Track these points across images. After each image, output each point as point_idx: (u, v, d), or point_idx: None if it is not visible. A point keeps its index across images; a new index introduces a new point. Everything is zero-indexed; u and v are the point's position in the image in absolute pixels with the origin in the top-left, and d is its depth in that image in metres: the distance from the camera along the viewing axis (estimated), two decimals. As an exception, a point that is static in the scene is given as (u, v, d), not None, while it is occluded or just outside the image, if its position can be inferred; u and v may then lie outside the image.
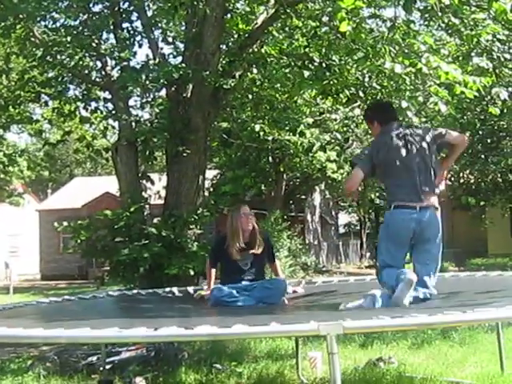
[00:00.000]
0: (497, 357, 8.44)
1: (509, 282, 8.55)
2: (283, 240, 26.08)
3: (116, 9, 12.67)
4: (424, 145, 6.97)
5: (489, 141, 25.03)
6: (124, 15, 12.84)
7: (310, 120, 17.76)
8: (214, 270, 8.44)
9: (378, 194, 40.98)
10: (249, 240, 8.25)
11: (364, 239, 50.44)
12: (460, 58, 10.96)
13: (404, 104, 9.75)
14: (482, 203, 27.50)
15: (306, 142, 19.94)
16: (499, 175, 26.46)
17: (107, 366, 8.80)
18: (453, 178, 27.72)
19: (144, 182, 12.92)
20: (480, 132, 24.78)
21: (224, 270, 8.36)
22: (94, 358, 9.35)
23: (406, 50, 9.39)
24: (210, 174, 29.41)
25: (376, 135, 7.31)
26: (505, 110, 11.89)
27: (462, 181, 27.97)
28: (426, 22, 11.31)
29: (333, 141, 21.71)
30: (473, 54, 10.65)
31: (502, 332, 8.59)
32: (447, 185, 7.75)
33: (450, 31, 10.77)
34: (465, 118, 22.21)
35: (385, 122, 7.25)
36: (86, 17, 12.50)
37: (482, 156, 25.98)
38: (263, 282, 8.17)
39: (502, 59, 10.82)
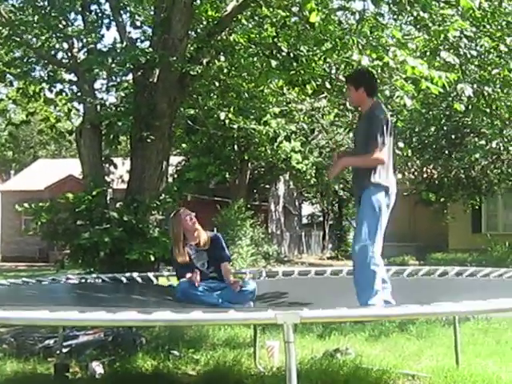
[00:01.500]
0: (452, 351, 8.54)
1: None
2: (246, 229, 26.18)
3: (84, -10, 12.55)
4: None
5: (453, 137, 25.18)
6: (92, -3, 12.73)
7: (277, 110, 17.76)
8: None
9: (342, 186, 41.15)
10: (198, 239, 8.30)
11: (327, 230, 50.63)
12: (427, 53, 11.02)
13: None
14: (443, 199, 27.71)
15: (272, 132, 19.94)
16: (462, 171, 26.65)
17: (64, 350, 8.75)
18: (416, 173, 27.91)
19: (107, 165, 12.84)
20: (445, 128, 24.93)
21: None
22: (51, 342, 9.32)
23: (374, 43, 9.42)
24: (175, 160, 29.38)
25: (370, 105, 7.15)
26: (469, 107, 11.92)
27: (425, 176, 28.14)
28: (395, 16, 11.35)
29: (298, 131, 21.72)
30: (440, 49, 10.70)
31: (459, 326, 8.68)
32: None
33: (418, 26, 10.81)
34: (430, 113, 22.32)
35: (374, 93, 7.27)
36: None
37: (446, 152, 26.15)
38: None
39: (469, 56, 10.91)
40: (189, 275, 7.97)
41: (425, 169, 28.06)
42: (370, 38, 9.48)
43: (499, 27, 11.12)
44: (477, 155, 23.12)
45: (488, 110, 12.13)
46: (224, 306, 7.64)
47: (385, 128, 6.89)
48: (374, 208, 6.89)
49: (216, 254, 8.33)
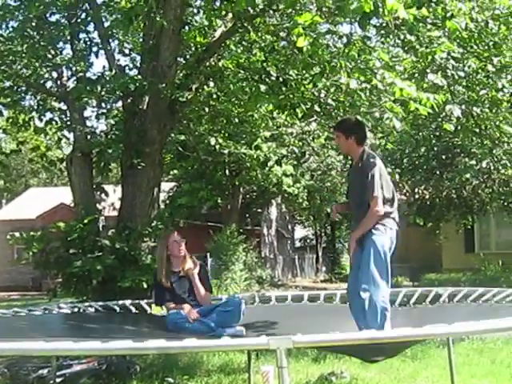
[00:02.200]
0: (447, 372, 8.50)
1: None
2: (239, 253, 26.15)
3: (73, 19, 12.58)
4: None
5: (443, 157, 25.24)
6: (81, 26, 12.75)
7: (267, 134, 17.79)
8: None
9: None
10: (181, 267, 8.27)
11: (320, 253, 50.59)
12: (415, 75, 11.08)
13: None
14: (431, 223, 27.82)
15: (263, 156, 19.96)
16: (453, 191, 26.70)
17: (58, 379, 8.71)
18: (407, 194, 27.95)
19: (98, 193, 12.83)
20: (435, 148, 24.99)
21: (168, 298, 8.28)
22: (45, 371, 9.25)
23: (362, 66, 9.47)
24: (167, 186, 29.35)
25: (360, 153, 7.19)
26: (459, 127, 11.98)
27: (416, 196, 28.19)
28: (382, 39, 11.41)
29: (289, 155, 21.75)
30: (428, 71, 10.76)
31: (453, 347, 8.66)
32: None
33: (405, 48, 10.87)
34: (420, 134, 22.40)
35: (363, 141, 7.31)
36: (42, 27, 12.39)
37: (437, 172, 26.21)
38: (219, 306, 8.17)
39: (456, 77, 10.96)
40: (172, 305, 7.98)
41: (416, 190, 28.11)
42: (358, 61, 9.53)
43: (486, 47, 11.20)
44: (468, 175, 23.16)
45: (477, 130, 12.20)
46: (218, 331, 7.62)
47: (378, 175, 6.95)
48: (379, 253, 6.92)
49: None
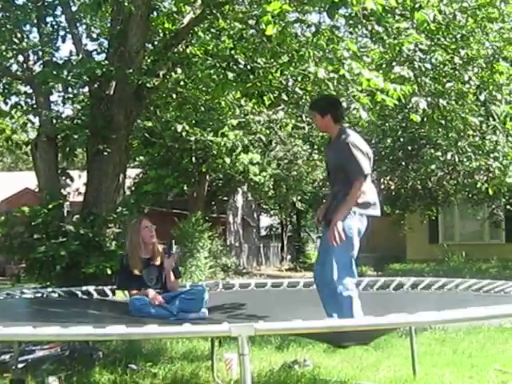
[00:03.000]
0: (410, 361, 8.58)
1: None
2: (204, 241, 26.11)
3: (40, 3, 12.45)
4: None
5: (409, 148, 25.33)
6: (48, 9, 12.62)
7: (234, 122, 17.79)
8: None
9: (299, 198, 41.22)
10: (152, 254, 8.24)
11: (285, 242, 50.67)
12: (383, 66, 11.11)
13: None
14: (399, 210, 27.98)
15: (230, 143, 19.97)
16: (419, 182, 26.86)
17: (20, 365, 8.64)
18: (373, 183, 28.07)
19: (64, 178, 12.75)
20: (401, 139, 25.07)
21: (134, 285, 8.25)
22: (7, 357, 9.17)
23: (330, 56, 9.48)
24: (133, 172, 29.24)
25: (337, 131, 7.20)
26: (425, 119, 12.03)
27: (382, 187, 28.31)
28: (351, 29, 11.43)
29: (256, 143, 21.77)
30: (395, 62, 10.80)
31: (416, 337, 8.73)
32: None
33: (373, 39, 10.90)
34: (386, 124, 22.48)
35: (340, 118, 7.29)
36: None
37: (403, 163, 26.33)
38: (183, 293, 8.17)
39: (423, 68, 11.01)
40: (135, 291, 7.97)
41: (382, 180, 28.23)
42: (327, 51, 9.53)
43: (454, 40, 11.26)
44: (433, 166, 23.32)
45: (443, 122, 12.25)
46: (180, 316, 7.63)
47: (360, 152, 6.96)
48: (346, 236, 6.90)
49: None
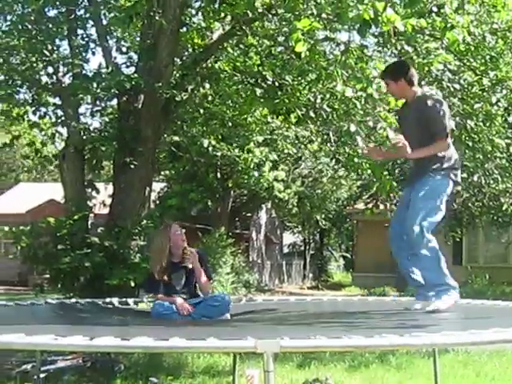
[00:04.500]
0: (432, 382, 8.52)
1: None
2: (227, 257, 26.10)
3: (71, 16, 12.56)
4: None
5: (435, 169, 25.27)
6: (79, 22, 12.74)
7: (260, 138, 17.81)
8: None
9: (323, 216, 41.18)
10: (180, 259, 8.22)
11: (308, 260, 50.59)
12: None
13: (353, 128, 9.78)
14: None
15: (256, 159, 19.98)
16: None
17: (42, 375, 8.65)
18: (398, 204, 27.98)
19: (90, 190, 12.80)
20: (427, 160, 25.00)
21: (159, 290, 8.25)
22: (29, 366, 9.23)
23: (358, 75, 9.47)
24: (158, 186, 29.33)
25: (414, 93, 7.22)
26: (452, 140, 11.98)
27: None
28: (380, 48, 11.43)
29: (282, 159, 21.78)
30: (423, 82, 10.78)
31: (438, 358, 8.67)
32: None
33: (402, 58, 10.89)
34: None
35: (413, 80, 7.25)
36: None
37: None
38: (207, 300, 8.15)
39: (452, 89, 10.99)
40: (161, 295, 7.96)
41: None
42: (355, 69, 9.53)
43: (483, 61, 11.23)
44: (459, 188, 23.21)
45: (470, 144, 12.20)
46: (201, 320, 7.64)
47: (441, 109, 6.97)
48: (435, 194, 6.94)
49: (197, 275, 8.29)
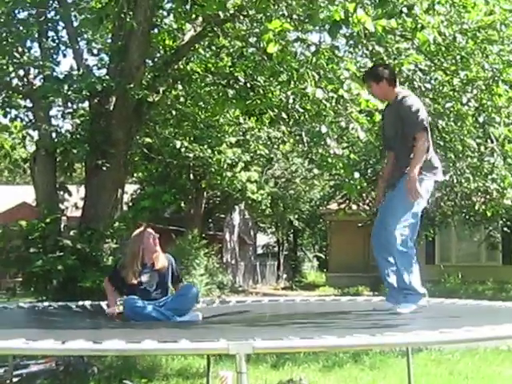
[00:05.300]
0: (405, 382, 8.54)
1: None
2: (200, 258, 26.03)
3: (42, 18, 12.48)
4: None
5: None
6: (50, 24, 12.67)
7: (233, 139, 17.80)
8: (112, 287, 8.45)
9: (297, 216, 41.23)
10: (153, 261, 8.28)
11: (281, 261, 50.61)
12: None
13: (324, 129, 9.82)
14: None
15: (229, 160, 19.98)
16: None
17: (14, 379, 8.61)
18: (371, 204, 28.07)
19: (61, 193, 12.73)
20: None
21: (129, 292, 8.26)
22: (1, 371, 9.15)
23: (330, 75, 9.50)
24: (131, 188, 29.22)
25: (395, 94, 7.25)
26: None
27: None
28: (351, 49, 11.46)
29: (255, 160, 21.79)
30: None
31: (412, 357, 8.70)
32: None
33: (373, 59, 10.94)
34: (385, 145, 22.47)
35: (394, 81, 7.32)
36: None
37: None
38: (175, 294, 8.25)
39: (423, 89, 11.04)
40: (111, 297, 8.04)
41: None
42: (326, 70, 9.55)
43: (453, 61, 11.28)
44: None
45: (442, 143, 12.27)
46: (174, 319, 7.69)
47: (417, 106, 7.04)
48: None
49: (169, 277, 8.35)
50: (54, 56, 12.68)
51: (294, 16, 10.16)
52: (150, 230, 8.40)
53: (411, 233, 7.09)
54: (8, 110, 12.92)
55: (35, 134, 13.10)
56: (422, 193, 6.99)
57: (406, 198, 6.93)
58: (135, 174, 27.57)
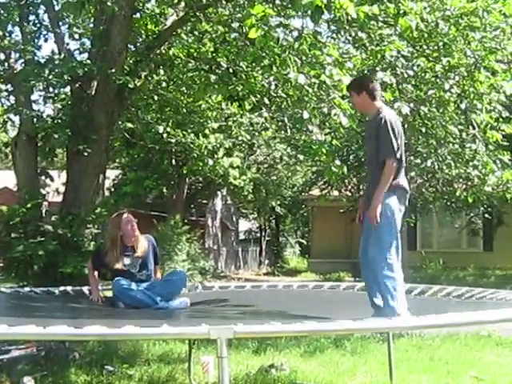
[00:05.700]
0: (386, 367, 8.60)
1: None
2: (182, 244, 26.01)
3: (23, 1, 12.38)
4: None
5: (389, 155, 25.39)
6: (31, 8, 12.58)
7: (215, 125, 17.76)
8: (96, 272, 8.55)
9: (279, 202, 41.25)
10: (133, 244, 8.33)
11: (263, 246, 50.66)
12: (365, 72, 11.14)
13: (306, 115, 9.79)
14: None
15: (211, 145, 19.94)
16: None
17: (-5, 365, 8.60)
18: (352, 190, 28.13)
19: (43, 178, 12.69)
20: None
21: (114, 276, 8.29)
22: (-18, 356, 9.12)
23: (312, 61, 9.48)
24: (112, 173, 29.17)
25: (376, 109, 7.14)
26: (406, 126, 12.06)
27: (361, 193, 28.36)
28: (333, 35, 11.45)
29: (237, 146, 21.77)
30: (377, 68, 10.83)
31: (393, 343, 8.75)
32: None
33: (356, 45, 10.94)
34: (367, 131, 22.48)
35: (377, 95, 7.22)
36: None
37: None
38: (163, 278, 8.35)
39: (405, 75, 11.04)
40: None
41: (361, 186, 28.29)
42: (309, 56, 9.53)
43: (435, 48, 11.29)
44: (412, 173, 23.39)
45: (423, 129, 12.28)
46: (161, 305, 7.74)
47: (392, 130, 6.91)
48: (387, 216, 6.86)
49: (151, 258, 8.42)
50: (36, 40, 12.62)
51: (277, 1, 10.15)
52: (125, 215, 8.45)
53: (394, 253, 6.97)
54: (-12, 94, 12.86)
55: (16, 119, 13.05)
56: (395, 212, 6.92)
57: (384, 223, 6.86)
58: (117, 160, 27.53)
